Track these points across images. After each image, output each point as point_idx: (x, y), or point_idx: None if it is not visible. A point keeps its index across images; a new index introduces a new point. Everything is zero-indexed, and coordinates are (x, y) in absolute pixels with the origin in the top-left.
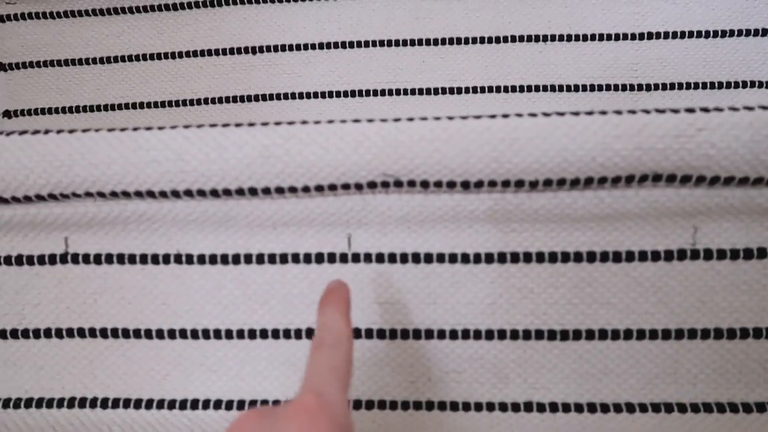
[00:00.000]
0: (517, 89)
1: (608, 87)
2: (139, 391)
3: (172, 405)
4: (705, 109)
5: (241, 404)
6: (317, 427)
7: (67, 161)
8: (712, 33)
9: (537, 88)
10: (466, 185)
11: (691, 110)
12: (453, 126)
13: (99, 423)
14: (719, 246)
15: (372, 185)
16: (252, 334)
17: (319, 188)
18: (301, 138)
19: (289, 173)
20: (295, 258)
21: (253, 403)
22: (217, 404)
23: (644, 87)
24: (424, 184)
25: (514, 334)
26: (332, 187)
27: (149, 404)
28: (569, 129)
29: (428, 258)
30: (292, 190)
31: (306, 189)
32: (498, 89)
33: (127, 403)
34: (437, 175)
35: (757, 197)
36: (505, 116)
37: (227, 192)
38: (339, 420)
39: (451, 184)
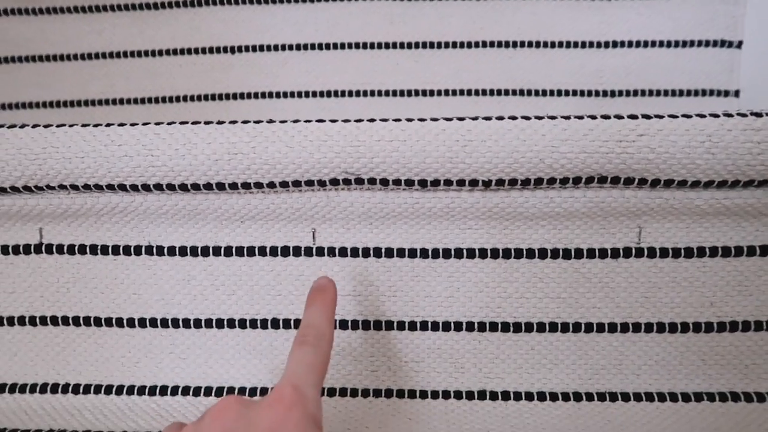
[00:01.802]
0: (487, 93)
1: (574, 92)
2: (110, 378)
3: (141, 391)
4: (646, 116)
5: (208, 391)
6: (291, 417)
7: (41, 155)
8: (674, 43)
9: (506, 92)
10: (423, 184)
11: (633, 116)
12: (411, 127)
13: (70, 408)
14: (662, 245)
15: (335, 182)
16: (220, 323)
17: (284, 185)
18: (266, 136)
19: (255, 170)
20: (262, 251)
21: (220, 389)
22: (186, 390)
23: (608, 93)
24: (384, 182)
25: (470, 326)
26: (297, 184)
27: (120, 390)
28: (519, 132)
29: (389, 253)
30: (259, 185)
31: (272, 185)
32: (469, 92)
33: (98, 389)
34: (396, 174)
35: (696, 199)
36: (461, 119)
37: (196, 187)
38: (311, 412)
39: (410, 183)
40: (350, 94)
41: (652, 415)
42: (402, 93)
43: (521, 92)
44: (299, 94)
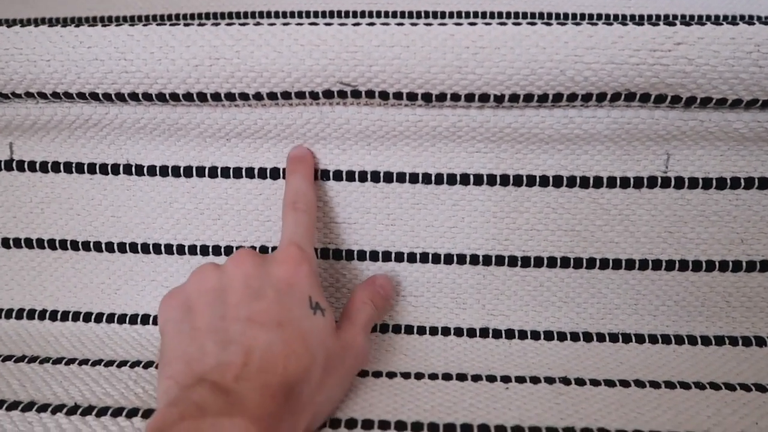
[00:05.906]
0: (504, 15)
1: (599, 17)
2: (89, 305)
3: (122, 319)
4: (686, 22)
5: None
6: (302, 271)
7: (3, 57)
8: None
9: (525, 15)
10: (427, 98)
11: (671, 23)
12: (415, 32)
13: (47, 334)
14: (692, 174)
15: (328, 95)
16: (205, 250)
17: (272, 96)
18: (252, 39)
19: (239, 77)
20: (250, 173)
21: None
22: None
23: (638, 18)
24: (384, 96)
25: (474, 260)
26: (286, 96)
27: (99, 318)
28: (539, 38)
29: (388, 177)
30: (244, 97)
31: (258, 96)
32: (483, 15)
33: (76, 316)
34: (397, 86)
35: (734, 122)
36: (472, 23)
37: (175, 97)
38: (314, 269)
39: (412, 97)
40: (354, 14)
41: (668, 358)
42: (411, 15)
43: (541, 16)
44: (299, 14)
